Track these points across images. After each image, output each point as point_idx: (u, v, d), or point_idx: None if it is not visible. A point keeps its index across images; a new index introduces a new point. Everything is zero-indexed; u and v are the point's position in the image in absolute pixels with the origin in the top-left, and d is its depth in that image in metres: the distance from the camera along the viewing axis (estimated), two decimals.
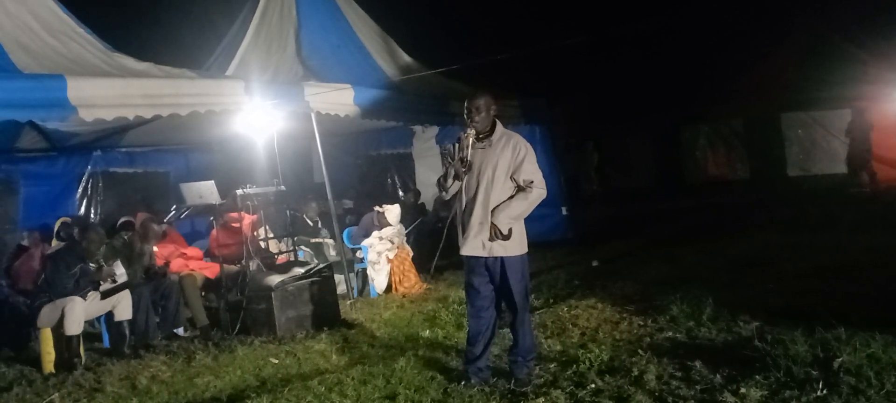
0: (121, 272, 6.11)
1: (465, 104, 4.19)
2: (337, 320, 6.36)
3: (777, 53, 15.19)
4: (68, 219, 7.60)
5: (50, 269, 5.91)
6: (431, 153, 11.12)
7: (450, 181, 4.22)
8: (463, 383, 4.18)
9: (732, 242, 8.76)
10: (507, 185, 4.12)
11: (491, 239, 4.09)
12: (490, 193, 4.10)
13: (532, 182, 4.10)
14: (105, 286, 5.98)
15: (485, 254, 4.13)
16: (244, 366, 5.11)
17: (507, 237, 4.08)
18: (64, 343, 5.58)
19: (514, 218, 4.11)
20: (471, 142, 4.13)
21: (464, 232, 4.20)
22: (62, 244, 6.64)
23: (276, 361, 5.19)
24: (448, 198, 4.29)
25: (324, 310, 6.34)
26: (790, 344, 4.16)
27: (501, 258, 4.12)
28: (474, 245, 4.15)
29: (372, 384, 4.33)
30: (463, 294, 5.08)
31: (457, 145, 4.17)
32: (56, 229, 7.20)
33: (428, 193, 10.63)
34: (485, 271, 4.17)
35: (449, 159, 4.26)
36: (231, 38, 8.34)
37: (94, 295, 5.96)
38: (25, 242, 7.40)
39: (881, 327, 4.21)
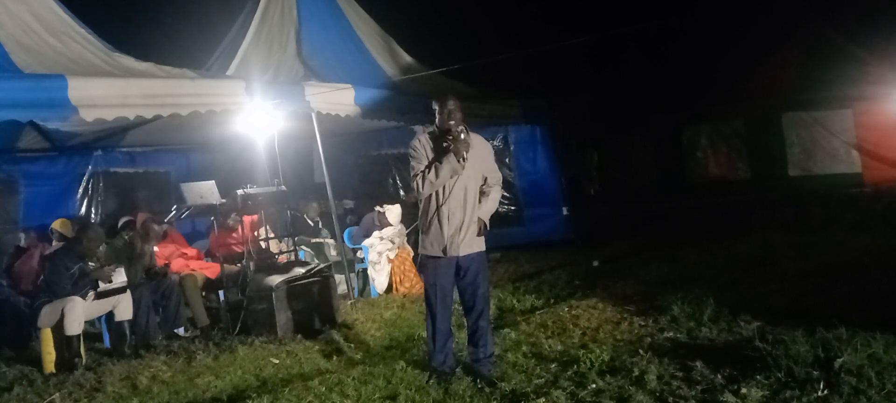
0: (122, 279, 6.07)
1: (446, 106, 4.20)
2: (337, 320, 6.36)
3: (778, 53, 15.17)
4: (65, 221, 7.54)
5: (49, 269, 5.91)
6: None
7: (440, 175, 4.12)
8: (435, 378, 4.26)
9: (733, 242, 8.74)
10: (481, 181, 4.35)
11: (479, 235, 4.28)
12: (474, 191, 4.27)
13: (499, 177, 4.44)
14: (103, 286, 5.96)
15: (478, 250, 4.29)
16: (245, 366, 5.11)
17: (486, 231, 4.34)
18: (64, 343, 5.58)
19: (493, 212, 4.39)
20: (463, 138, 4.14)
21: (460, 231, 4.20)
22: (61, 244, 6.64)
23: (277, 361, 5.19)
24: (427, 194, 4.25)
25: (324, 310, 6.34)
26: (791, 344, 4.16)
27: (479, 252, 4.31)
28: (472, 243, 4.26)
29: (373, 384, 4.33)
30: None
31: (426, 147, 4.23)
32: (50, 230, 7.17)
33: None
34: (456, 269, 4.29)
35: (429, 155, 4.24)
36: (232, 37, 8.34)
37: (93, 295, 5.94)
38: (22, 243, 7.39)
39: (882, 327, 4.21)
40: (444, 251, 4.21)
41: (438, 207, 4.22)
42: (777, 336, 4.39)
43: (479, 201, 4.31)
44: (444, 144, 4.16)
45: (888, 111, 12.86)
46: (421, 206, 4.37)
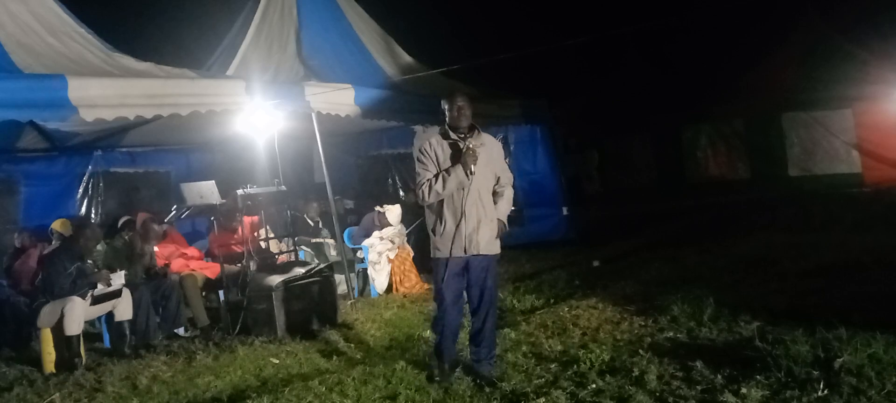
0: (119, 283, 6.05)
1: (456, 104, 4.13)
2: (337, 320, 6.36)
3: (778, 53, 15.18)
4: (65, 221, 7.53)
5: (47, 269, 5.90)
6: None
7: (447, 186, 4.09)
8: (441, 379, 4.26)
9: (734, 242, 8.74)
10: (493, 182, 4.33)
11: (498, 236, 4.26)
12: (487, 193, 4.23)
13: (510, 177, 4.42)
14: (100, 289, 5.93)
15: (491, 252, 4.25)
16: (245, 366, 5.10)
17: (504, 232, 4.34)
18: (64, 343, 5.57)
19: (508, 212, 4.38)
20: (472, 147, 4.09)
21: (478, 231, 4.15)
22: (59, 243, 6.63)
23: (277, 361, 5.18)
24: (432, 202, 4.19)
25: (324, 310, 6.34)
26: (791, 344, 4.16)
27: (490, 255, 4.28)
28: (485, 245, 4.20)
29: (372, 384, 4.33)
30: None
31: (436, 150, 4.15)
32: (50, 230, 7.16)
33: None
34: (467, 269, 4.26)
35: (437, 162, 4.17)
36: (232, 37, 8.33)
37: (90, 298, 5.90)
38: (17, 243, 7.37)
39: (882, 327, 4.20)
40: (456, 252, 4.15)
41: (453, 209, 4.16)
42: (777, 336, 4.39)
43: (495, 202, 4.29)
44: (451, 151, 4.13)
45: (888, 111, 12.86)
46: (433, 207, 4.25)
